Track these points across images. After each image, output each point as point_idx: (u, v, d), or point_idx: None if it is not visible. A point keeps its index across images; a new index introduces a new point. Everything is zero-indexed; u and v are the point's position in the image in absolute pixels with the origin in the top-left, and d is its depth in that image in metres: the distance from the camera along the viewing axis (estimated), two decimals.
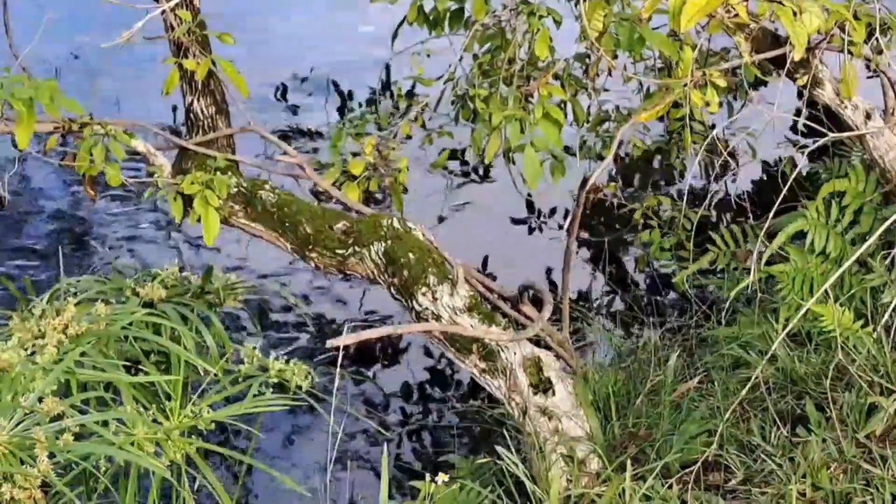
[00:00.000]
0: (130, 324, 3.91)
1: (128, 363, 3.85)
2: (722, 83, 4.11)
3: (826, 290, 3.83)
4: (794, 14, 3.32)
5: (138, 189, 4.91)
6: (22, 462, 3.00)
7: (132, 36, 3.76)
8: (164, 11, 4.14)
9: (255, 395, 3.88)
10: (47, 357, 3.45)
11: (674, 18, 3.37)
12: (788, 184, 3.95)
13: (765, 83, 5.66)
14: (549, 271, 5.51)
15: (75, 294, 4.18)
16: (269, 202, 4.29)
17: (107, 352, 3.74)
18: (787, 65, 4.03)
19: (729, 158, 4.45)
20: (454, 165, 6.61)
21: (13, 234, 6.15)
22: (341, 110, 7.47)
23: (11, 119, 3.94)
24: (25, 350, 3.52)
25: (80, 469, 3.34)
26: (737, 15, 3.43)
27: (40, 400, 3.18)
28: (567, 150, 4.93)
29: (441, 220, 6.26)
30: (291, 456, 4.64)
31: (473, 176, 6.68)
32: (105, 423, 3.33)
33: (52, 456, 3.03)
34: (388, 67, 7.50)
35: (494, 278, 4.92)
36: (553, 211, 6.32)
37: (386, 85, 7.55)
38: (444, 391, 5.02)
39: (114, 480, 3.46)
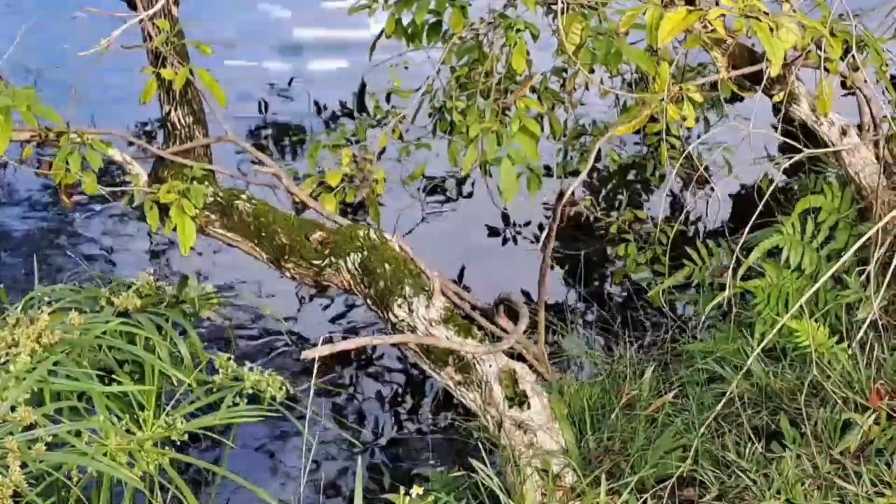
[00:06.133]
0: (105, 333, 3.89)
1: (101, 373, 3.83)
2: (698, 98, 4.13)
3: (801, 306, 3.85)
4: (771, 30, 3.33)
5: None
6: None
7: (110, 44, 3.76)
8: (141, 20, 4.14)
9: (229, 406, 3.86)
10: (20, 366, 3.43)
11: (651, 33, 3.39)
12: (764, 199, 3.96)
13: (741, 99, 5.69)
14: (524, 284, 5.50)
15: (50, 303, 4.16)
16: (246, 212, 4.29)
17: (80, 361, 3.72)
18: (764, 81, 4.06)
19: (705, 173, 4.46)
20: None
21: None
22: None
23: None
24: None
25: (53, 479, 3.32)
26: (714, 30, 3.44)
27: (13, 409, 3.16)
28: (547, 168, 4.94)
29: (416, 230, 6.25)
30: (265, 467, 4.62)
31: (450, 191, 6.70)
32: (78, 433, 3.32)
33: (24, 465, 3.01)
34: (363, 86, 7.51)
35: (469, 290, 4.92)
36: (528, 223, 6.33)
37: (361, 97, 7.56)
38: (419, 403, 5.01)
39: (86, 491, 3.44)
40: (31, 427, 3.16)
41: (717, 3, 3.48)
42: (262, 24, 8.85)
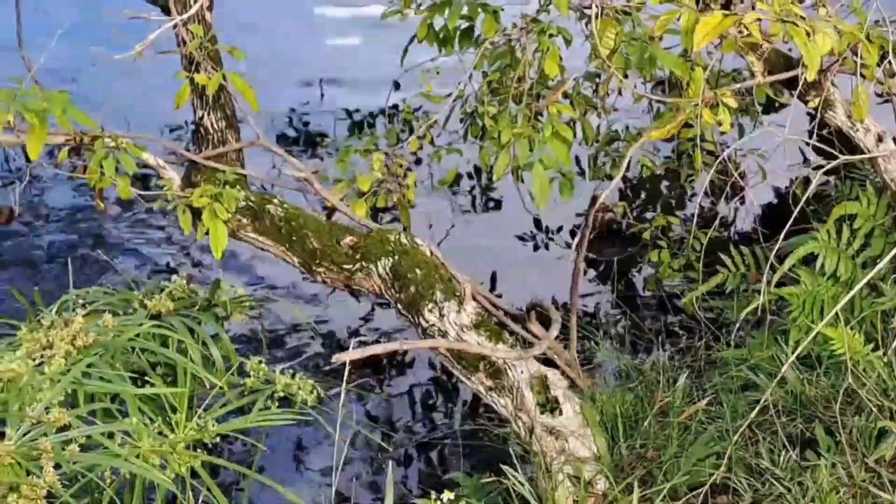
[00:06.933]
0: (138, 336, 3.90)
1: (134, 375, 3.84)
2: (733, 104, 4.11)
3: (836, 314, 3.82)
4: (808, 35, 3.31)
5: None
6: (28, 472, 2.99)
7: (144, 48, 3.77)
8: (176, 26, 4.15)
9: (260, 409, 3.87)
10: (55, 368, 3.45)
11: (686, 37, 3.38)
12: (800, 206, 3.94)
13: (776, 105, 5.66)
14: (556, 290, 5.49)
15: (84, 305, 4.18)
16: (277, 216, 4.29)
17: (114, 363, 3.74)
18: (800, 86, 4.03)
19: (739, 180, 4.43)
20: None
21: (24, 245, 6.15)
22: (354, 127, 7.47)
23: (23, 131, 3.94)
24: (33, 360, 3.51)
25: (86, 480, 3.33)
26: (749, 34, 3.42)
27: (47, 410, 3.17)
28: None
29: (447, 235, 6.25)
30: (296, 470, 4.62)
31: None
32: (111, 435, 3.33)
33: (57, 467, 3.02)
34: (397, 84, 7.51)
35: (500, 296, 4.91)
36: (560, 229, 6.31)
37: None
38: (450, 408, 5.00)
39: (119, 492, 3.45)
40: (64, 428, 3.17)
41: (752, 8, 3.47)
42: None
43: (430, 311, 4.00)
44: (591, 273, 5.81)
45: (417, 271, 4.06)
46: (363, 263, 4.17)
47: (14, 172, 6.79)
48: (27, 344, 3.65)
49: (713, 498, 3.71)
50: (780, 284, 4.46)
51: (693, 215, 5.73)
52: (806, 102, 4.37)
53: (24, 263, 5.98)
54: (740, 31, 3.49)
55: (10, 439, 3.01)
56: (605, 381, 4.56)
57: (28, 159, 4.17)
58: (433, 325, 4.00)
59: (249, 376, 4.07)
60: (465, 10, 4.82)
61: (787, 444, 3.81)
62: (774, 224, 4.91)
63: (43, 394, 3.29)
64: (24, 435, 3.06)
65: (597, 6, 4.02)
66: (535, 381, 3.96)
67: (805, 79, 3.49)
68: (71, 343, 3.65)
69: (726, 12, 3.43)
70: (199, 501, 3.53)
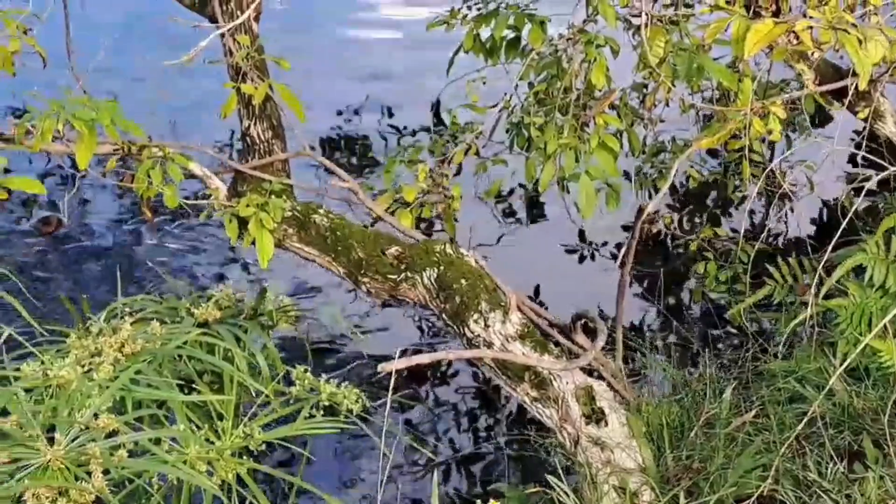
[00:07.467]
0: (185, 343, 3.91)
1: (181, 382, 3.85)
2: (782, 114, 4.08)
3: (885, 325, 3.78)
4: (860, 42, 3.29)
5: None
6: (77, 478, 3.01)
7: (192, 58, 3.80)
8: (223, 36, 4.18)
9: (305, 418, 3.87)
10: (103, 374, 3.47)
11: (737, 45, 3.36)
12: (848, 217, 3.90)
13: (823, 116, 5.62)
14: (602, 302, 5.47)
15: (132, 313, 4.20)
16: (323, 226, 4.30)
17: (161, 371, 3.75)
18: (849, 97, 4.00)
19: (788, 191, 4.40)
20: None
21: (72, 253, 6.21)
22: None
23: (72, 140, 3.98)
24: (82, 367, 3.54)
25: (134, 486, 3.34)
26: (800, 42, 3.40)
27: (96, 416, 3.19)
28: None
29: (492, 246, 6.24)
30: (341, 479, 4.63)
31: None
32: (158, 441, 3.34)
33: (106, 472, 3.04)
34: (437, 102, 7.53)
35: (545, 307, 4.89)
36: (605, 243, 6.29)
37: (437, 113, 7.58)
38: (494, 418, 4.99)
39: (166, 498, 3.46)
40: (113, 434, 3.19)
41: (804, 16, 3.44)
42: None
43: (476, 321, 4.00)
44: (637, 285, 5.78)
45: (462, 282, 4.06)
46: (408, 274, 4.17)
47: (61, 173, 6.85)
48: (76, 351, 3.67)
49: None
50: (828, 296, 4.42)
51: (740, 227, 5.70)
52: (856, 113, 4.34)
53: (72, 271, 6.04)
54: (790, 40, 3.47)
55: (60, 444, 3.03)
56: (651, 392, 4.54)
57: (76, 168, 4.20)
58: (478, 335, 4.00)
59: (295, 385, 4.07)
60: (511, 21, 4.83)
61: (834, 456, 3.77)
62: (822, 236, 4.88)
63: (91, 400, 3.30)
64: (73, 440, 3.08)
65: (646, 15, 4.01)
66: (581, 393, 3.94)
67: (855, 88, 3.46)
68: (119, 350, 3.67)
69: (777, 20, 3.41)
70: None
